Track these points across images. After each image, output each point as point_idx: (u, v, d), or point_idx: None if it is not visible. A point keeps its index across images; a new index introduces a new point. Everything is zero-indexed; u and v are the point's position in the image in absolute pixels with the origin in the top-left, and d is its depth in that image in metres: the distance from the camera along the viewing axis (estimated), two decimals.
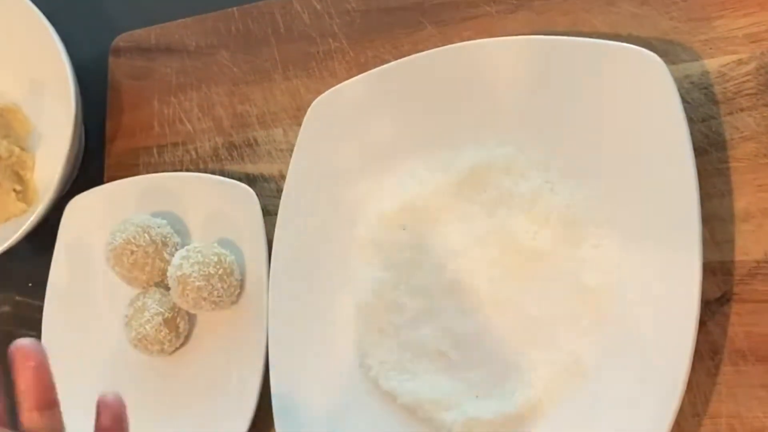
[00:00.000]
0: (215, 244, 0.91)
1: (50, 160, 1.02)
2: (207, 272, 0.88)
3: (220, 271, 0.89)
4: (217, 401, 0.90)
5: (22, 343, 0.61)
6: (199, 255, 0.89)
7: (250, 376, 0.87)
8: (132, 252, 0.92)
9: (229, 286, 0.89)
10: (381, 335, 0.84)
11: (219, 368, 0.91)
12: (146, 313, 0.91)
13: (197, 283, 0.88)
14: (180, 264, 0.89)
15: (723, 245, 0.74)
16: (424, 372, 0.81)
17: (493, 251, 0.80)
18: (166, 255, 0.93)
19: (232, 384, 0.90)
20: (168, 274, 0.90)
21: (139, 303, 0.92)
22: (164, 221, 0.94)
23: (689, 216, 0.71)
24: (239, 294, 0.92)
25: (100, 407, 0.62)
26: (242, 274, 0.92)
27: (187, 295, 0.88)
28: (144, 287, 0.95)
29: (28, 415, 0.60)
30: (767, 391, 0.70)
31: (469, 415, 0.77)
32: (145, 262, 0.92)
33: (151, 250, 0.92)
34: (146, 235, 0.92)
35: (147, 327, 0.90)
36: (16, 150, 1.05)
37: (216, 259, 0.89)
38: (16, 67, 1.08)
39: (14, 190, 1.05)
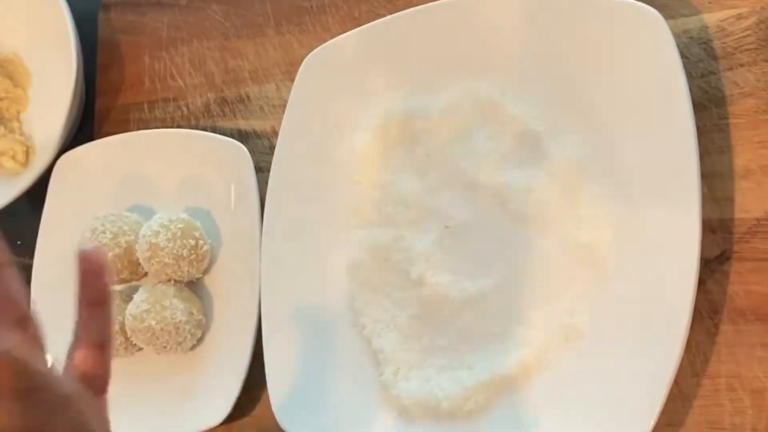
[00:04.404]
0: (198, 224, 0.91)
1: (50, 116, 1.01)
2: (180, 254, 0.88)
3: (192, 257, 0.89)
4: (211, 361, 0.90)
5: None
6: (179, 232, 0.89)
7: (242, 336, 0.87)
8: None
9: (192, 268, 0.90)
10: (375, 294, 0.83)
11: (212, 327, 0.92)
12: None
13: (166, 260, 0.88)
14: (157, 232, 0.88)
15: (722, 203, 0.73)
16: (420, 335, 0.81)
17: (491, 210, 0.80)
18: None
19: (224, 344, 0.90)
20: (141, 232, 0.90)
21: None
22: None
23: (688, 172, 0.70)
24: (233, 253, 0.92)
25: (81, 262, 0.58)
26: (234, 234, 0.92)
27: (153, 264, 0.89)
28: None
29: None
30: (767, 350, 0.70)
31: (465, 383, 0.77)
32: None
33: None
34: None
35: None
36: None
37: (193, 243, 0.89)
38: (16, 18, 1.07)
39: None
